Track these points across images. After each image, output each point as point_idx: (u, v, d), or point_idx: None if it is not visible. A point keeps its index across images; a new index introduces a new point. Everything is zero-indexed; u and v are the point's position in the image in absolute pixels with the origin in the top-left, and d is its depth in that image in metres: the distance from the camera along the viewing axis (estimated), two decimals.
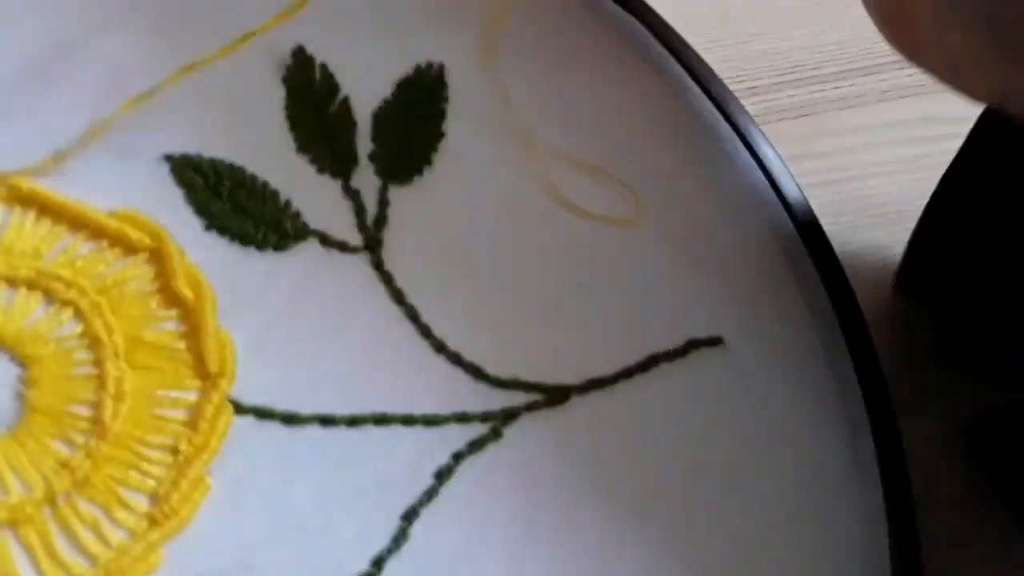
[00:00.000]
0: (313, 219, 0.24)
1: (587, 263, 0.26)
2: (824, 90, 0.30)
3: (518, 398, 0.24)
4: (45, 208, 0.22)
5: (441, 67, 0.27)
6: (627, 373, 0.25)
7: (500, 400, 0.24)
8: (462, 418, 0.23)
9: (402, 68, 0.26)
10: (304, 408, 0.22)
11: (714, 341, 0.26)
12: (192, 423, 0.21)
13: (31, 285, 0.21)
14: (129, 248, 0.22)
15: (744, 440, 0.25)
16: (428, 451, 0.23)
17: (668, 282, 0.26)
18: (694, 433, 0.25)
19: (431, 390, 0.23)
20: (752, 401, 0.26)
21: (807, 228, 0.27)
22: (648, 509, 0.24)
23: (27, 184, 0.22)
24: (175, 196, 0.23)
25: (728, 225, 0.27)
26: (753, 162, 0.27)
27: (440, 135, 0.26)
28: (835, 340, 0.26)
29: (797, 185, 0.27)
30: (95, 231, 0.22)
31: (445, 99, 0.27)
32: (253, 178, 0.24)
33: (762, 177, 0.27)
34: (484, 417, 0.23)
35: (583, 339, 0.25)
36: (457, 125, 0.26)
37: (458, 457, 0.23)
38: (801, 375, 0.26)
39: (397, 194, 0.25)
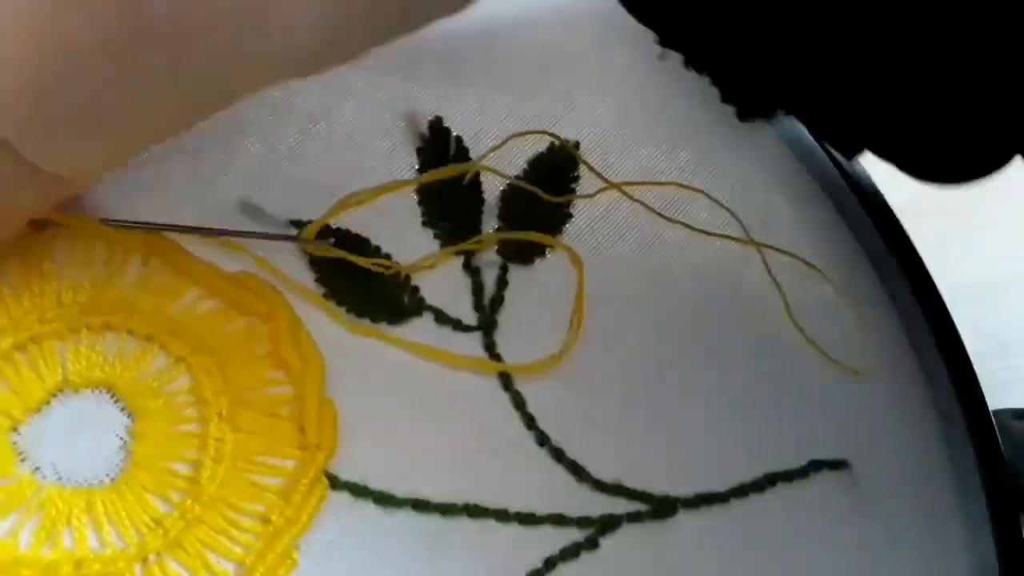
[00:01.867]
0: (430, 295, 0.24)
1: (710, 368, 0.25)
2: None
3: (620, 505, 0.23)
4: (174, 263, 0.22)
5: (576, 145, 0.26)
6: (742, 491, 0.24)
7: (600, 505, 0.23)
8: (558, 520, 0.22)
9: (536, 145, 0.26)
10: (399, 489, 0.22)
11: (838, 464, 0.24)
12: (286, 493, 0.21)
13: (150, 338, 0.22)
14: (245, 312, 0.22)
15: (863, 571, 0.24)
16: (521, 552, 0.22)
17: (795, 397, 0.25)
18: (810, 561, 0.23)
19: (529, 485, 0.22)
20: (875, 531, 0.24)
21: (947, 351, 0.25)
22: None
23: (165, 239, 0.22)
24: (299, 261, 0.23)
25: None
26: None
27: (567, 216, 0.26)
28: (969, 478, 0.24)
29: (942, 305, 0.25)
30: (215, 291, 0.22)
31: (576, 179, 0.26)
32: (377, 249, 0.24)
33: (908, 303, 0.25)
34: (581, 522, 0.22)
35: (697, 449, 0.24)
36: (584, 205, 0.26)
37: (550, 563, 0.22)
38: (929, 510, 0.24)
39: (517, 274, 0.25)
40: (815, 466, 0.24)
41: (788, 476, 0.24)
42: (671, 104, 0.27)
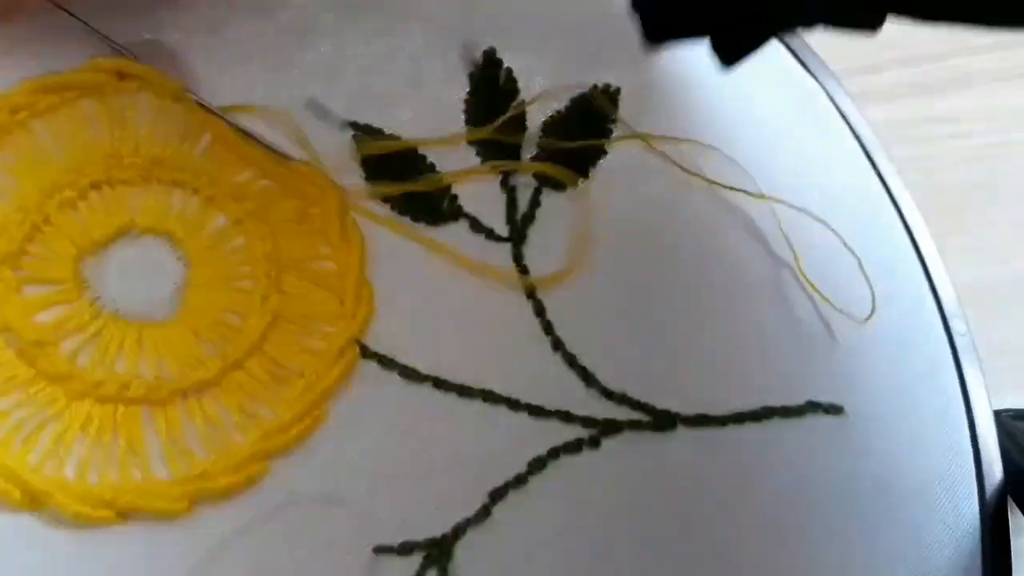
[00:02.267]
0: (468, 204, 0.26)
1: (720, 302, 0.26)
2: None
3: (623, 413, 0.24)
4: (243, 140, 0.24)
5: (617, 91, 0.28)
6: (740, 418, 0.25)
7: (605, 410, 0.24)
8: (565, 417, 0.24)
9: (579, 86, 0.28)
10: (422, 366, 0.23)
11: (834, 408, 0.26)
12: (321, 353, 0.23)
13: (212, 199, 0.23)
14: (299, 193, 0.24)
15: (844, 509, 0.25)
16: (527, 439, 0.23)
17: (800, 340, 0.26)
18: (794, 490, 0.25)
19: (541, 383, 0.24)
20: (862, 477, 0.25)
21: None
22: (729, 558, 0.24)
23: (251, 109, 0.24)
24: (351, 160, 0.25)
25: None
26: None
27: (602, 152, 0.28)
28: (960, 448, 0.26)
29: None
30: (275, 171, 0.24)
31: (614, 120, 0.28)
32: (423, 158, 0.26)
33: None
34: (586, 422, 0.24)
35: (702, 373, 0.25)
36: (619, 146, 0.28)
37: (554, 453, 0.23)
38: (918, 469, 0.25)
39: (549, 197, 0.27)
40: (811, 407, 0.26)
41: (785, 412, 0.25)
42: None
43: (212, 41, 0.25)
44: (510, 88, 0.28)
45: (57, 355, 0.21)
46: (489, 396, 0.24)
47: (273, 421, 0.22)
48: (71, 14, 0.23)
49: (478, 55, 0.28)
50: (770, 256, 0.27)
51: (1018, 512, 0.26)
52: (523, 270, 0.25)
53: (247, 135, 0.24)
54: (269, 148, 0.24)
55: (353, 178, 0.25)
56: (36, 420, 0.20)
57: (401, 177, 0.26)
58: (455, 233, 0.25)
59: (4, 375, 0.20)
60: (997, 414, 0.28)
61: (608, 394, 0.24)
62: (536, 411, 0.24)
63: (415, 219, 0.25)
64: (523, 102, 0.28)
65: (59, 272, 0.22)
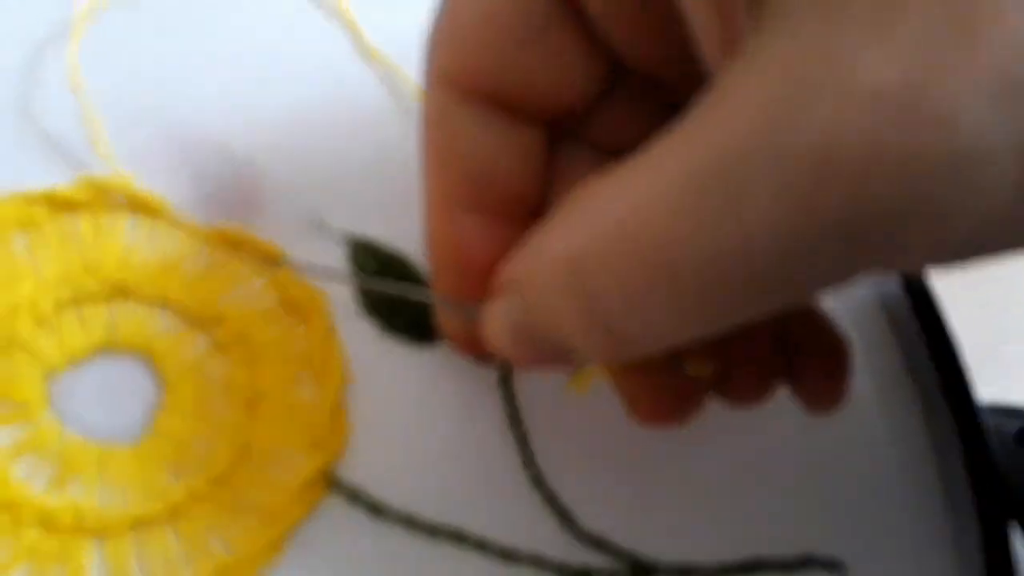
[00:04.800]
0: None
1: (713, 442, 0.25)
2: None
3: (600, 560, 0.24)
4: (231, 263, 0.24)
5: None
6: (726, 571, 0.24)
7: (582, 556, 0.24)
8: (537, 562, 0.23)
9: None
10: (394, 502, 0.23)
11: (833, 565, 0.25)
12: (286, 487, 0.23)
13: (197, 322, 0.24)
14: (289, 312, 0.24)
15: None
16: None
17: (797, 483, 0.26)
18: None
19: (516, 523, 0.23)
20: None
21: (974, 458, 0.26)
22: None
23: (242, 235, 0.25)
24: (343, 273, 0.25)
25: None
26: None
27: None
28: None
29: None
30: (267, 290, 0.24)
31: None
32: (417, 273, 0.26)
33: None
34: (561, 569, 0.23)
35: (688, 519, 0.25)
36: None
37: None
38: None
39: None
40: (807, 561, 0.25)
41: (777, 565, 0.25)
42: None
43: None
44: None
45: (8, 478, 0.21)
46: (460, 537, 0.23)
47: (227, 557, 0.22)
48: None
49: None
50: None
51: None
52: (509, 396, 0.25)
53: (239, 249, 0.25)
54: (266, 259, 0.24)
55: (345, 294, 0.25)
56: None
57: (396, 295, 0.26)
58: (442, 356, 0.25)
59: None
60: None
61: (586, 538, 0.24)
62: (507, 555, 0.23)
63: (403, 339, 0.25)
64: None
65: (25, 390, 0.22)
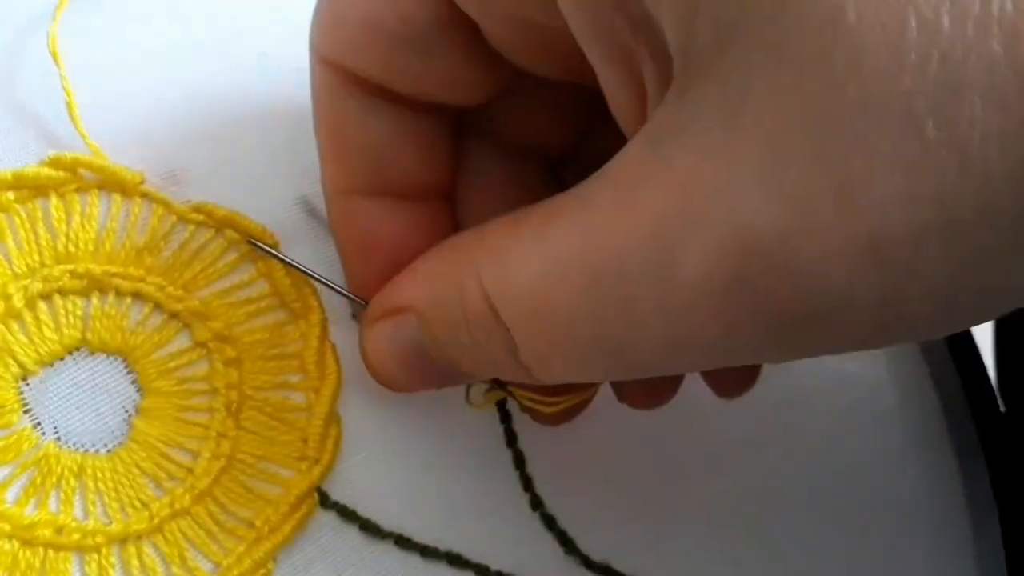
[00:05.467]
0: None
1: (722, 463, 0.25)
2: None
3: None
4: (215, 251, 0.23)
5: None
6: None
7: None
8: None
9: None
10: (386, 521, 0.22)
11: None
12: (275, 502, 0.21)
13: (176, 316, 0.22)
14: (279, 306, 0.23)
15: None
16: None
17: (811, 504, 0.25)
18: None
19: (515, 546, 0.23)
20: None
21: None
22: None
23: (224, 212, 0.23)
24: (338, 269, 0.24)
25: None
26: None
27: None
28: None
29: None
30: (255, 279, 0.23)
31: None
32: None
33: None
34: None
35: (692, 544, 0.24)
36: None
37: None
38: None
39: None
40: None
41: None
42: None
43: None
44: None
45: None
46: (455, 560, 0.22)
47: None
48: None
49: None
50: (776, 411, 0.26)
51: None
52: (505, 416, 0.24)
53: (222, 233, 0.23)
54: (256, 247, 0.23)
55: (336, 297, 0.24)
56: None
57: None
58: None
59: None
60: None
61: (588, 563, 0.23)
62: None
63: None
64: None
65: None
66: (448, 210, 0.22)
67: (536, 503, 0.24)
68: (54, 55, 0.22)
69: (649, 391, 0.23)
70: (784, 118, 0.14)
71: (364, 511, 0.22)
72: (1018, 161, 0.13)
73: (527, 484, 0.24)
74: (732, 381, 0.23)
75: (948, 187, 0.13)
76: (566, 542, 0.23)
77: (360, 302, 0.22)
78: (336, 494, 0.22)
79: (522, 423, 0.24)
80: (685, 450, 0.25)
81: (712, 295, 0.15)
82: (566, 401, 0.22)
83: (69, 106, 0.22)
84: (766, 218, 0.14)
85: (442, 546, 0.22)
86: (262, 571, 0.21)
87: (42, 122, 0.22)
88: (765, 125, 0.14)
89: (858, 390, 0.26)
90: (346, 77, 0.20)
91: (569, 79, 0.20)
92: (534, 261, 0.18)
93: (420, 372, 0.21)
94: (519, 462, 0.24)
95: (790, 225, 0.14)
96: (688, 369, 0.22)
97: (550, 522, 0.23)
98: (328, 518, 0.22)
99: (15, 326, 0.21)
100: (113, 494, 0.21)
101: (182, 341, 0.22)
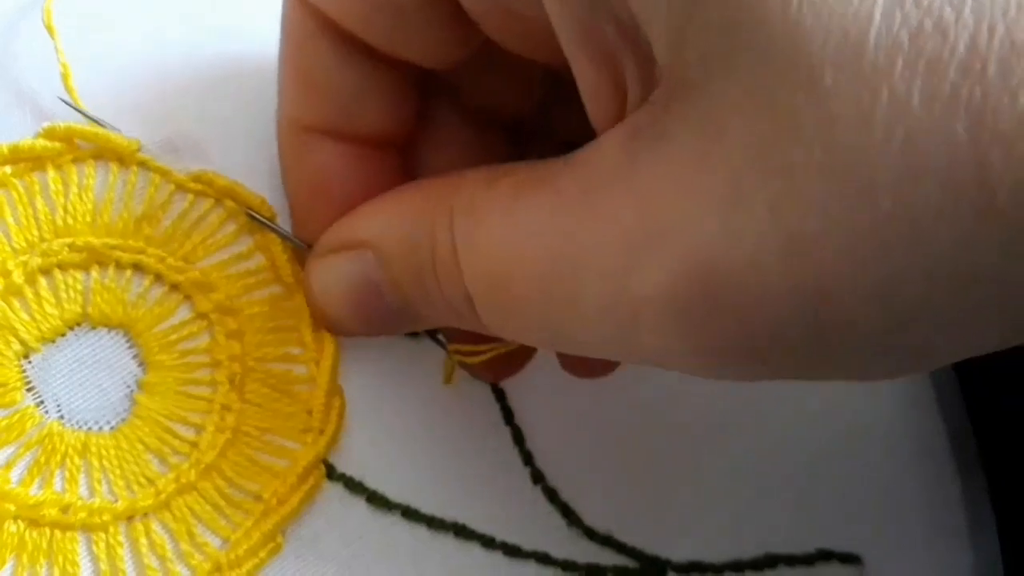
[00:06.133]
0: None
1: (721, 436, 0.25)
2: None
3: (607, 557, 0.23)
4: (214, 221, 0.22)
5: None
6: (738, 566, 0.24)
7: (588, 553, 0.23)
8: (543, 559, 0.23)
9: None
10: (392, 493, 0.22)
11: (850, 558, 0.25)
12: (282, 475, 0.21)
13: (176, 287, 0.22)
14: (276, 280, 0.22)
15: None
16: None
17: (809, 476, 0.25)
18: None
19: (519, 519, 0.23)
20: None
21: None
22: None
23: (224, 182, 0.22)
24: None
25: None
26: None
27: None
28: None
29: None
30: (252, 252, 0.23)
31: None
32: None
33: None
34: (566, 565, 0.23)
35: (697, 515, 0.24)
36: None
37: None
38: None
39: None
40: (823, 555, 0.24)
41: (791, 560, 0.24)
42: None
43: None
44: None
45: None
46: (462, 531, 0.23)
47: (225, 553, 0.21)
48: None
49: None
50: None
51: None
52: (499, 394, 0.24)
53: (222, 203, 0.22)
54: (253, 219, 0.22)
55: None
56: None
57: None
58: (433, 346, 0.24)
59: None
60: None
61: (592, 535, 0.23)
62: (511, 551, 0.23)
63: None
64: None
65: (1, 373, 0.21)
66: (401, 164, 0.22)
67: (537, 477, 0.24)
68: (49, 28, 0.22)
69: (589, 367, 0.23)
70: (752, 163, 0.15)
71: (371, 483, 0.22)
72: (964, 237, 0.13)
73: (527, 459, 0.24)
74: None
75: (896, 257, 0.14)
76: (568, 514, 0.23)
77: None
78: (342, 466, 0.22)
79: (518, 400, 0.24)
80: (683, 422, 0.25)
81: (658, 311, 0.16)
82: (492, 350, 0.22)
83: (64, 76, 0.22)
84: (721, 252, 0.15)
85: (447, 518, 0.22)
86: (271, 544, 0.21)
87: (38, 97, 0.22)
88: (734, 164, 0.15)
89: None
90: (321, 21, 0.20)
91: (540, 59, 0.20)
92: (498, 230, 0.18)
93: (369, 313, 0.21)
94: (518, 438, 0.24)
95: (741, 264, 0.15)
96: (627, 362, 0.22)
97: (552, 495, 0.24)
98: (335, 490, 0.22)
99: (16, 303, 0.21)
100: (118, 471, 0.21)
101: (183, 313, 0.22)
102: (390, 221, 0.21)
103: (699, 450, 0.24)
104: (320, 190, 0.22)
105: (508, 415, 0.24)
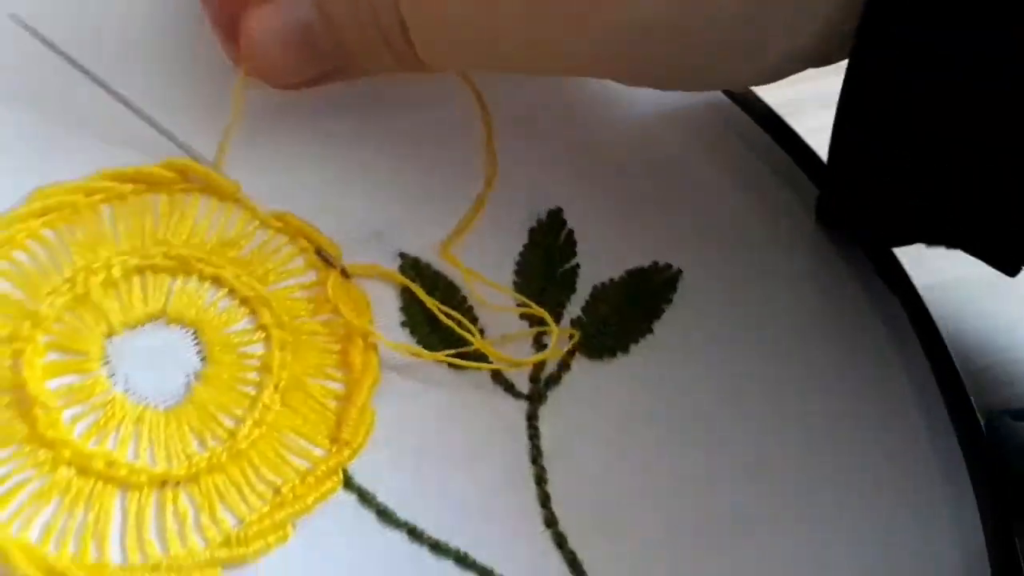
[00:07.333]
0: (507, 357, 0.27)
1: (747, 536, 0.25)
2: None
3: None
4: (287, 253, 0.27)
5: (678, 272, 0.29)
6: None
7: None
8: None
9: (640, 260, 0.29)
10: (402, 511, 0.24)
11: None
12: (303, 474, 0.24)
13: (245, 302, 0.26)
14: (332, 309, 0.26)
15: None
16: None
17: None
18: None
19: (523, 559, 0.24)
20: None
21: None
22: None
23: (299, 223, 0.27)
24: (391, 286, 0.27)
25: None
26: None
27: (648, 331, 0.28)
28: None
29: None
30: (316, 284, 0.26)
31: (669, 300, 0.29)
32: (463, 300, 0.27)
33: None
34: None
35: None
36: (667, 327, 0.28)
37: None
38: None
39: (581, 364, 0.27)
40: None
41: None
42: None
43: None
44: (567, 249, 0.29)
45: (58, 420, 0.23)
46: (463, 560, 0.24)
47: (237, 531, 0.23)
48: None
49: (542, 211, 0.29)
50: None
51: None
52: (533, 432, 0.26)
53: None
54: (318, 255, 0.26)
55: (389, 305, 0.27)
56: (20, 478, 0.22)
57: (438, 316, 0.27)
58: (475, 379, 0.26)
59: (3, 430, 0.23)
60: (994, 415, 0.28)
61: None
62: None
63: (439, 360, 0.26)
64: (577, 266, 0.29)
65: (85, 344, 0.24)
66: None
67: (551, 521, 0.25)
68: (235, 106, 0.27)
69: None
70: None
71: (382, 499, 0.24)
72: None
73: (545, 500, 0.25)
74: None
75: None
76: (573, 563, 0.24)
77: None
78: (359, 479, 0.24)
79: (549, 439, 0.25)
80: (717, 511, 0.25)
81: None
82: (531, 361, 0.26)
83: (224, 139, 0.27)
84: None
85: (452, 544, 0.24)
86: (280, 532, 0.23)
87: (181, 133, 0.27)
88: None
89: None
90: None
91: None
92: None
93: (303, 56, 0.23)
94: (540, 478, 0.25)
95: None
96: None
97: (561, 540, 0.24)
98: (348, 499, 0.24)
99: (111, 292, 0.25)
100: (162, 444, 0.24)
101: (246, 323, 0.26)
102: None
103: (723, 546, 0.25)
104: None
105: (536, 454, 0.25)
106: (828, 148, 0.26)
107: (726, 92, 0.32)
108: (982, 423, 0.27)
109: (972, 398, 0.27)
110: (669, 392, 0.27)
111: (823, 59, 0.24)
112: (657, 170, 0.31)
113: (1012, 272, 0.25)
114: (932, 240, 0.27)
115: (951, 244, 0.26)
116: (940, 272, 0.30)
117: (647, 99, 0.31)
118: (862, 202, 0.27)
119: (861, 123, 0.24)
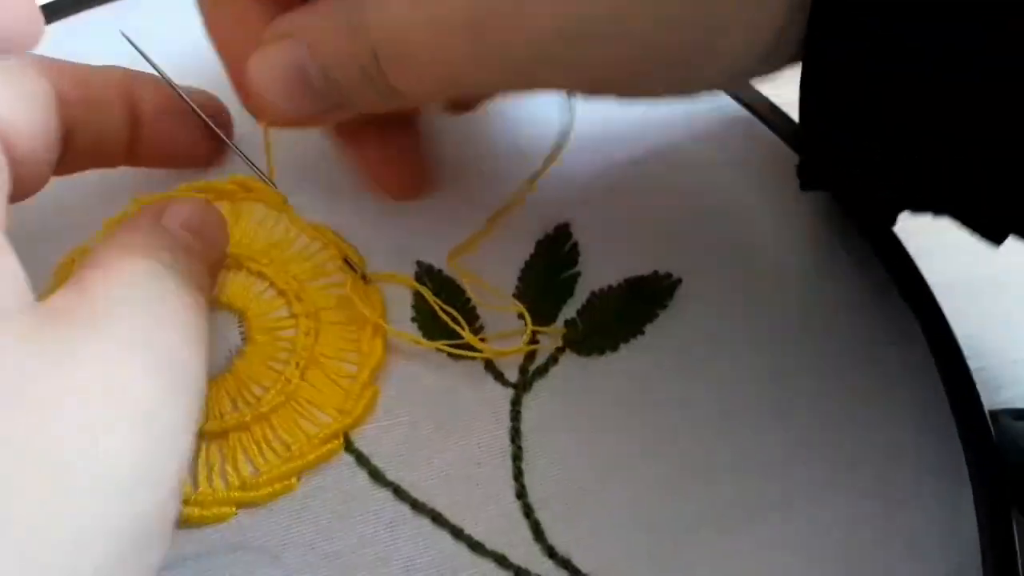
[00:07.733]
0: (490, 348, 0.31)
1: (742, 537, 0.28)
2: None
3: None
4: (322, 257, 0.32)
5: (677, 281, 0.31)
6: None
7: (545, 569, 0.27)
8: (501, 560, 0.27)
9: (641, 270, 0.32)
10: (391, 473, 0.28)
11: None
12: (311, 436, 0.28)
13: (283, 293, 0.31)
14: (352, 308, 0.31)
15: None
16: (456, 572, 0.27)
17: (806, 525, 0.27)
18: None
19: (492, 522, 0.28)
20: None
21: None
22: None
23: (333, 235, 0.32)
24: (406, 289, 0.31)
25: None
26: None
27: (639, 332, 0.31)
28: None
29: None
30: (344, 286, 0.31)
31: (665, 306, 0.31)
32: (467, 301, 0.31)
33: None
34: (519, 572, 0.27)
35: (667, 560, 0.27)
36: (658, 329, 0.31)
37: None
38: None
39: (569, 359, 0.30)
40: None
41: None
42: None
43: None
44: (570, 258, 0.32)
45: None
46: (437, 518, 0.28)
47: (252, 478, 0.28)
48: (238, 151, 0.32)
49: (550, 225, 0.33)
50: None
51: None
52: (516, 415, 0.29)
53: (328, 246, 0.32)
54: (345, 261, 0.31)
55: (402, 302, 0.31)
56: None
57: (440, 313, 0.31)
58: (469, 368, 0.30)
59: None
60: (994, 415, 0.29)
61: (552, 553, 0.27)
62: (475, 546, 0.27)
63: (439, 350, 0.31)
64: (578, 274, 0.32)
65: None
66: None
67: (521, 493, 0.28)
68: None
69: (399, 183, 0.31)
70: None
71: (376, 461, 0.28)
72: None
73: (518, 475, 0.28)
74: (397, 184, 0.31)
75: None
76: (536, 530, 0.27)
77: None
78: (358, 443, 0.29)
79: (529, 420, 0.29)
80: (683, 499, 0.28)
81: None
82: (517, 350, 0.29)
83: (268, 156, 0.32)
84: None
85: (429, 504, 0.28)
86: (288, 482, 0.28)
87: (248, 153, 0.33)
88: None
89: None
90: None
91: None
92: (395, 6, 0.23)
93: (300, 96, 0.25)
94: (516, 456, 0.29)
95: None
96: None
97: (528, 511, 0.28)
98: (347, 459, 0.28)
99: None
100: (205, 404, 0.29)
101: (282, 312, 0.31)
102: (318, 10, 0.24)
103: (709, 512, 0.27)
104: (242, 32, 0.26)
105: (515, 435, 0.29)
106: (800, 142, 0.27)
107: (732, 94, 0.34)
108: (990, 424, 0.28)
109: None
110: (651, 388, 0.30)
111: (788, 58, 0.24)
112: (666, 185, 0.34)
113: (997, 242, 0.25)
114: (916, 209, 0.27)
115: (936, 212, 0.26)
116: (940, 272, 0.31)
117: (663, 116, 0.34)
118: (839, 186, 0.29)
119: (828, 116, 0.24)
